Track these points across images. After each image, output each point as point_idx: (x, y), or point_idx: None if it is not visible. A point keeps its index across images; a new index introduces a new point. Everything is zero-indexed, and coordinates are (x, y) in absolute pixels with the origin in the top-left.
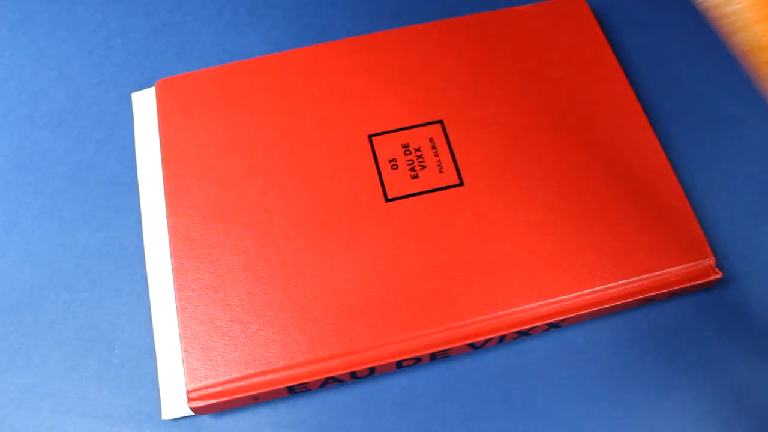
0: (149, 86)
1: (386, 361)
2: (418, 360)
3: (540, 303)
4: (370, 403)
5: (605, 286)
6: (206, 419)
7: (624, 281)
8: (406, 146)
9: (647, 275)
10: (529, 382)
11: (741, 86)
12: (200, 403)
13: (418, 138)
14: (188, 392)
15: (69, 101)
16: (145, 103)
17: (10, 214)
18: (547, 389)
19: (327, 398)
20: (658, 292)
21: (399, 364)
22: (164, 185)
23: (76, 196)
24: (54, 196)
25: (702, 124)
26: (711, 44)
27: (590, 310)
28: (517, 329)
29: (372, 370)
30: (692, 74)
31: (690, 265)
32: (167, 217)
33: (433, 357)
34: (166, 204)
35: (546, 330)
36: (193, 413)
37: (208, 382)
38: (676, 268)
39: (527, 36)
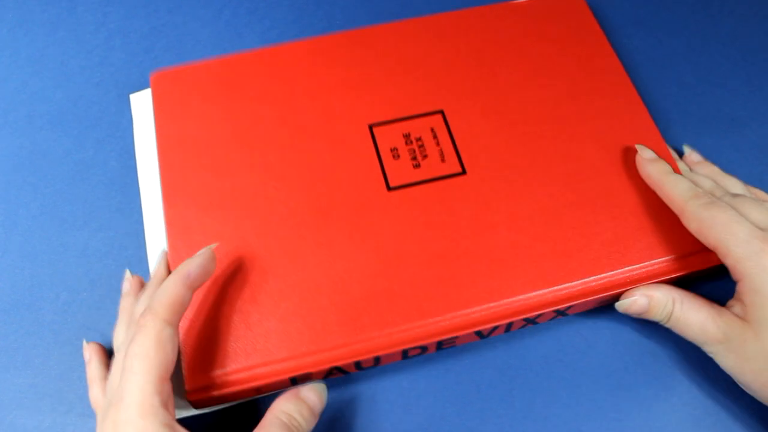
0: (149, 87)
1: (392, 350)
2: (424, 349)
3: (546, 290)
4: (370, 402)
5: (611, 273)
6: (207, 414)
7: (629, 268)
8: (407, 135)
9: (651, 262)
10: (529, 382)
11: (741, 86)
12: (200, 397)
13: (419, 128)
14: (187, 386)
15: (69, 101)
16: (144, 104)
17: (10, 214)
18: (547, 389)
19: (328, 396)
20: (662, 279)
21: (405, 354)
22: (160, 175)
23: (76, 196)
24: (54, 196)
25: (702, 124)
26: (711, 44)
27: (597, 296)
28: (524, 316)
29: (377, 360)
30: (692, 74)
31: (694, 252)
32: (163, 208)
33: (440, 346)
34: (163, 194)
35: (553, 318)
36: (193, 408)
37: (208, 375)
38: (679, 255)
39: (526, 28)
